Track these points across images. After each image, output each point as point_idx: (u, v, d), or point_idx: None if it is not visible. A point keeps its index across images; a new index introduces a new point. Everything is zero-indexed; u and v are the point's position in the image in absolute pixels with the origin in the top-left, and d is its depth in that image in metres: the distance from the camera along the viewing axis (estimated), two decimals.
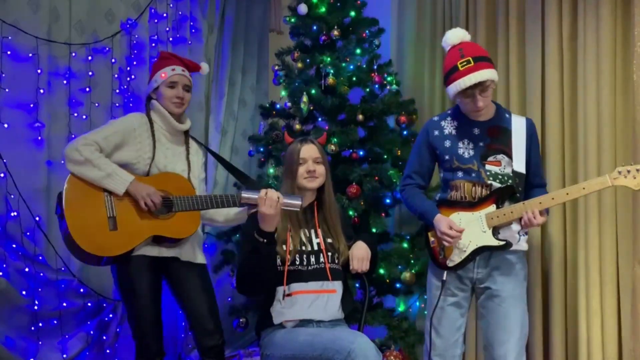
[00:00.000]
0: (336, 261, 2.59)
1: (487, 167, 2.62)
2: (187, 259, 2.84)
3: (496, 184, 2.61)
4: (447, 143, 2.69)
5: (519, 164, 2.60)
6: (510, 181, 2.60)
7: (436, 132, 2.72)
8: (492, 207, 2.58)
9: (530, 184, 2.70)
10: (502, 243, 2.58)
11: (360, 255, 2.58)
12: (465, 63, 2.52)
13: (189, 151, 2.94)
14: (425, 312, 2.97)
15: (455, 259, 2.62)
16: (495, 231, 2.59)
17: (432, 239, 2.70)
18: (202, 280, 2.87)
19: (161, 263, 2.79)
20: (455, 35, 2.64)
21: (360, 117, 3.66)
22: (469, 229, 2.60)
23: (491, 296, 2.63)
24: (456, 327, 2.69)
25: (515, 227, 2.62)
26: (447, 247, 2.62)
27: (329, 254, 2.58)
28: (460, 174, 2.65)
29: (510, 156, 2.61)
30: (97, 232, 2.63)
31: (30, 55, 3.44)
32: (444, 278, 2.63)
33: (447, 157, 2.68)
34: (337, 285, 2.57)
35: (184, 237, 2.78)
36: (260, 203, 2.37)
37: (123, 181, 2.65)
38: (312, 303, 2.50)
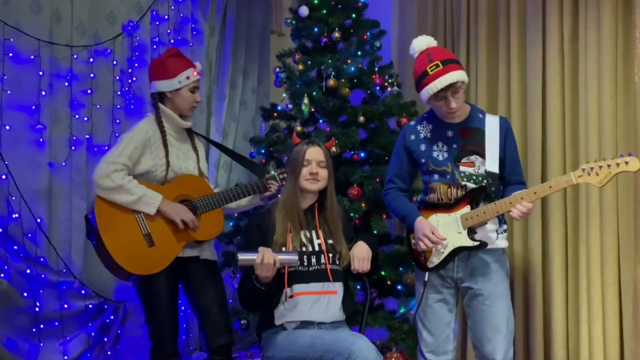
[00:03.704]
0: (337, 262, 2.59)
1: (461, 168, 2.65)
2: (205, 257, 2.88)
3: (471, 185, 2.63)
4: (423, 147, 2.72)
5: (492, 164, 2.62)
6: (484, 182, 2.62)
7: (412, 137, 2.76)
8: (467, 208, 2.62)
9: (507, 182, 2.72)
10: (476, 243, 2.61)
11: (361, 255, 2.59)
12: (434, 67, 2.55)
13: (195, 145, 2.98)
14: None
15: (434, 260, 2.66)
16: (472, 231, 2.62)
17: (413, 241, 2.74)
18: (216, 279, 2.92)
19: (180, 263, 2.82)
20: (422, 41, 2.66)
21: (362, 118, 3.66)
22: (447, 231, 2.63)
23: (474, 295, 2.67)
24: (445, 323, 2.73)
25: (491, 226, 2.65)
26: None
27: (330, 255, 2.58)
28: (436, 176, 2.69)
29: (483, 156, 2.64)
30: (137, 253, 2.68)
31: (32, 57, 3.44)
32: (426, 279, 2.68)
33: (423, 161, 2.72)
34: (338, 287, 2.57)
35: (216, 236, 2.85)
36: (257, 268, 2.39)
37: (154, 202, 2.70)
38: (313, 305, 2.51)
